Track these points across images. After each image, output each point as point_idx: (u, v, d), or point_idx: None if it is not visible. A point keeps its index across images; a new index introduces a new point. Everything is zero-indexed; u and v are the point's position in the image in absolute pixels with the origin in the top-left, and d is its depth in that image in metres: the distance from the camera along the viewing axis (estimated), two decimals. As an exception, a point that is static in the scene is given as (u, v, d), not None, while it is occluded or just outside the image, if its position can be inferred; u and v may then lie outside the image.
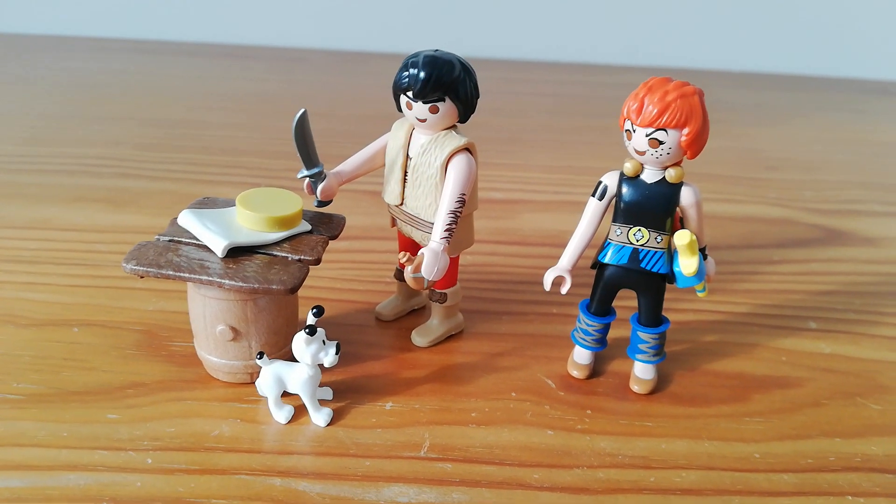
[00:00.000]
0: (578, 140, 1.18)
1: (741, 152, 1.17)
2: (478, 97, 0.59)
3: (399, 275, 0.69)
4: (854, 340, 0.70)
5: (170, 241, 0.56)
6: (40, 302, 0.68)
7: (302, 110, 0.57)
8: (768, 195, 1.01)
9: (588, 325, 0.61)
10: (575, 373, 0.63)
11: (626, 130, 0.54)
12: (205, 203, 0.61)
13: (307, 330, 0.52)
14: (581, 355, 0.63)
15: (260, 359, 0.54)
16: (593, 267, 0.60)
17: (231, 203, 0.61)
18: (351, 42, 1.62)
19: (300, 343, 0.53)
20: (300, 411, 0.56)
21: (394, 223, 0.65)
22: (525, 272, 0.77)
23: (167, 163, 1.00)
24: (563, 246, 0.59)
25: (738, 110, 1.38)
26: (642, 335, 0.60)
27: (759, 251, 0.86)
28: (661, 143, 0.52)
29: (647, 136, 0.52)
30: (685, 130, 0.52)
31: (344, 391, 0.59)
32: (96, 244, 0.78)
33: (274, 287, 0.51)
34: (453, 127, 0.59)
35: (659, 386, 0.62)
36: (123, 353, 0.62)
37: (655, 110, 0.51)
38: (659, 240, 0.56)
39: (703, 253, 0.59)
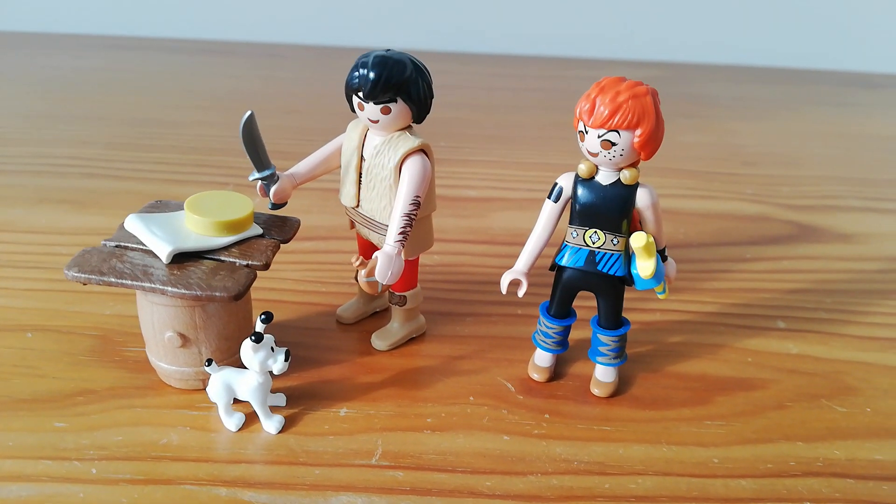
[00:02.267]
0: (557, 136, 1.17)
1: (719, 147, 1.16)
2: (432, 98, 0.57)
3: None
4: (823, 340, 0.69)
5: (116, 246, 0.55)
6: (-4, 307, 0.67)
7: (249, 112, 0.56)
8: (745, 191, 1.00)
9: (548, 327, 0.60)
10: (535, 376, 0.62)
11: (580, 132, 0.53)
12: (156, 207, 0.60)
13: (253, 337, 0.51)
14: (542, 358, 0.62)
15: (209, 366, 0.53)
16: (552, 269, 0.59)
17: (182, 206, 0.60)
18: (331, 37, 1.60)
19: (247, 350, 0.52)
20: (252, 418, 0.55)
21: (353, 225, 0.64)
22: (492, 272, 0.76)
23: (135, 162, 0.99)
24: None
25: (718, 104, 1.36)
26: (602, 338, 0.59)
27: (731, 249, 0.85)
28: (613, 144, 0.51)
29: (599, 137, 0.51)
30: (637, 132, 0.51)
31: (298, 397, 0.58)
32: (56, 246, 0.77)
33: (217, 294, 0.50)
34: (408, 128, 0.58)
35: (620, 388, 0.61)
36: (76, 359, 0.61)
37: (607, 111, 0.50)
38: (615, 242, 0.55)
39: (661, 254, 0.58)
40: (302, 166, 0.62)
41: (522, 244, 0.58)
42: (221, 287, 0.51)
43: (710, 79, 1.52)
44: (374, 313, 0.69)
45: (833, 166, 1.11)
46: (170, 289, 0.50)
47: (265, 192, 0.60)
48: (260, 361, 0.52)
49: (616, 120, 0.50)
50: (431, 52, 1.50)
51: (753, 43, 1.61)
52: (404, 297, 0.63)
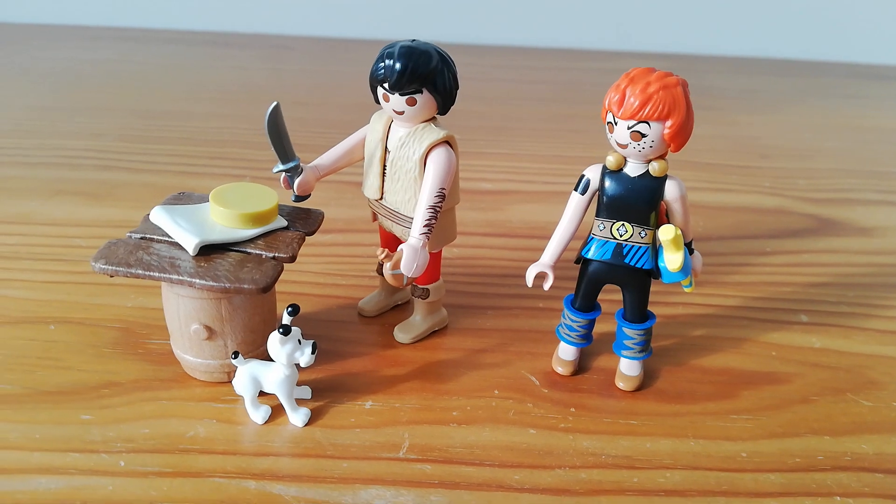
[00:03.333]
0: (568, 128, 1.16)
1: (734, 140, 1.15)
2: (457, 88, 0.57)
3: (381, 270, 0.67)
4: (845, 334, 0.69)
5: (141, 238, 0.54)
6: (16, 299, 0.67)
7: (274, 103, 0.55)
8: (762, 184, 1.00)
9: (572, 320, 0.60)
10: (559, 369, 0.61)
11: (608, 123, 0.52)
12: (179, 199, 0.60)
13: (281, 329, 0.50)
14: (566, 351, 0.62)
15: (235, 358, 0.53)
16: (577, 262, 0.59)
17: (206, 198, 0.60)
18: (338, 29, 1.59)
19: (275, 343, 0.51)
20: (277, 411, 0.55)
21: (375, 217, 0.64)
22: (512, 265, 0.76)
23: (149, 154, 0.99)
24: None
25: (729, 97, 1.36)
26: (627, 331, 0.59)
27: (751, 242, 0.84)
28: (643, 135, 0.51)
29: (628, 128, 0.51)
30: (668, 123, 0.50)
31: (323, 390, 0.58)
32: (75, 238, 0.77)
33: (245, 286, 0.50)
34: (433, 119, 0.58)
35: (645, 382, 0.61)
36: (100, 351, 0.61)
37: (637, 102, 0.50)
38: (643, 235, 0.55)
39: (688, 247, 0.57)
40: (325, 158, 0.61)
41: (542, 237, 0.58)
42: (249, 279, 0.50)
43: (717, 70, 1.51)
44: (395, 306, 0.69)
45: (847, 159, 1.10)
46: (197, 281, 0.50)
47: (289, 185, 0.60)
48: (287, 354, 0.52)
49: (646, 111, 0.50)
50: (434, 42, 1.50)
51: (762, 35, 1.60)
52: (427, 290, 0.63)
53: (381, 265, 0.67)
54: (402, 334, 0.64)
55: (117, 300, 0.67)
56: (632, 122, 0.50)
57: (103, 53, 1.41)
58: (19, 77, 1.26)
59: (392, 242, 0.64)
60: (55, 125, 1.06)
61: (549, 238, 0.58)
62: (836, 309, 0.72)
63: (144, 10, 1.58)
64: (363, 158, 0.61)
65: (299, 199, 0.61)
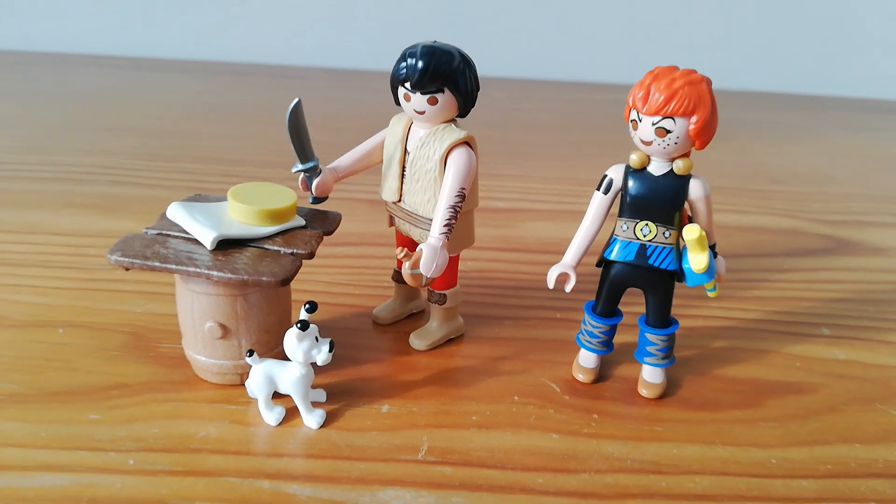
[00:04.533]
0: (580, 154, 1.17)
1: (745, 166, 1.15)
2: (478, 90, 0.57)
3: (397, 276, 0.66)
4: (870, 347, 0.67)
5: (158, 233, 0.54)
6: (25, 304, 0.66)
7: (296, 100, 0.55)
8: (775, 206, 0.99)
9: (594, 326, 0.59)
10: (580, 376, 0.60)
11: (632, 120, 0.52)
12: (196, 199, 0.59)
13: (299, 325, 0.49)
14: (586, 359, 0.60)
15: (250, 356, 0.51)
16: (599, 265, 0.58)
17: (223, 199, 0.59)
18: (352, 61, 1.61)
19: (292, 339, 0.50)
20: (291, 413, 0.53)
21: (391, 222, 0.63)
22: (527, 278, 0.75)
23: (159, 171, 0.98)
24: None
25: (739, 127, 1.37)
26: (650, 336, 0.58)
27: (768, 260, 0.83)
28: (668, 132, 0.50)
29: (653, 124, 0.50)
30: (693, 118, 0.50)
31: (338, 393, 0.56)
32: (86, 248, 0.76)
33: (264, 279, 0.49)
34: (453, 121, 0.57)
35: (668, 390, 0.59)
36: (109, 354, 0.59)
37: (662, 97, 0.49)
38: (667, 235, 0.54)
39: (712, 250, 0.56)
40: (344, 160, 0.61)
41: (554, 252, 0.57)
42: (268, 272, 0.49)
43: (727, 104, 1.52)
44: (410, 315, 0.68)
45: (859, 185, 1.10)
46: (215, 273, 0.49)
47: (307, 185, 0.59)
48: (304, 351, 0.50)
49: (672, 106, 0.49)
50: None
51: (770, 70, 1.62)
52: (444, 295, 0.62)
53: (396, 271, 0.66)
54: (418, 341, 0.63)
55: (127, 305, 0.66)
56: (657, 118, 0.50)
57: (115, 80, 1.42)
58: (31, 99, 1.27)
59: (409, 246, 0.63)
60: (67, 143, 1.07)
61: (562, 253, 0.57)
62: (857, 323, 0.71)
63: (157, 40, 1.60)
64: (381, 161, 0.61)
65: (317, 200, 0.60)
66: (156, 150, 1.06)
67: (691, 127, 0.50)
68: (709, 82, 0.51)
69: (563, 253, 0.57)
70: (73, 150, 1.04)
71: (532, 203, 0.95)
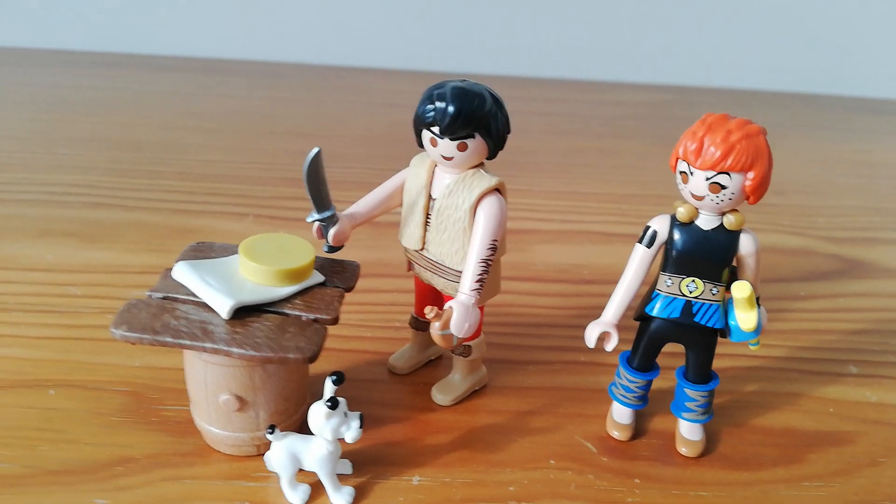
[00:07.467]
0: (579, 162, 1.13)
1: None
2: (509, 132, 0.53)
3: (415, 323, 0.62)
4: (898, 387, 0.66)
5: (164, 298, 0.49)
6: (9, 358, 0.60)
7: (316, 150, 0.50)
8: (781, 222, 0.97)
9: (630, 381, 0.56)
10: (616, 434, 0.57)
11: (682, 172, 0.48)
12: (200, 249, 0.54)
13: (328, 403, 0.45)
14: (621, 414, 0.57)
15: (271, 433, 0.47)
16: (637, 319, 0.54)
17: (229, 249, 0.54)
18: (334, 56, 1.54)
19: (319, 417, 0.46)
20: (316, 489, 0.49)
21: (410, 267, 0.59)
22: (544, 313, 0.71)
23: (142, 190, 0.92)
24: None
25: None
26: (690, 393, 0.55)
27: (783, 286, 0.81)
28: (723, 187, 0.47)
29: (707, 179, 0.47)
30: (750, 174, 0.46)
31: (364, 462, 0.52)
32: (69, 286, 0.70)
33: (291, 356, 0.44)
34: (481, 165, 0.53)
35: (707, 447, 0.56)
36: (108, 420, 0.55)
37: (719, 152, 0.46)
38: (714, 292, 0.51)
39: (757, 303, 0.54)
40: (361, 206, 0.56)
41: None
42: (294, 347, 0.45)
43: (715, 102, 1.50)
44: (428, 362, 0.64)
45: (861, 196, 1.09)
46: (235, 350, 0.44)
47: (322, 234, 0.54)
48: (332, 429, 0.46)
49: (729, 162, 0.46)
50: (427, 72, 1.46)
51: (758, 68, 1.60)
52: (469, 346, 0.58)
53: (415, 317, 0.62)
54: (441, 396, 0.59)
55: (122, 359, 0.61)
56: (711, 173, 0.47)
57: (89, 80, 1.33)
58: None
59: (429, 294, 0.59)
60: (39, 157, 0.99)
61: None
62: (883, 359, 0.69)
63: (129, 35, 1.51)
64: (401, 205, 0.56)
65: (332, 249, 0.55)
66: (135, 164, 0.99)
67: (748, 183, 0.47)
68: (765, 133, 0.48)
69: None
70: (47, 166, 0.97)
71: (537, 223, 0.92)
